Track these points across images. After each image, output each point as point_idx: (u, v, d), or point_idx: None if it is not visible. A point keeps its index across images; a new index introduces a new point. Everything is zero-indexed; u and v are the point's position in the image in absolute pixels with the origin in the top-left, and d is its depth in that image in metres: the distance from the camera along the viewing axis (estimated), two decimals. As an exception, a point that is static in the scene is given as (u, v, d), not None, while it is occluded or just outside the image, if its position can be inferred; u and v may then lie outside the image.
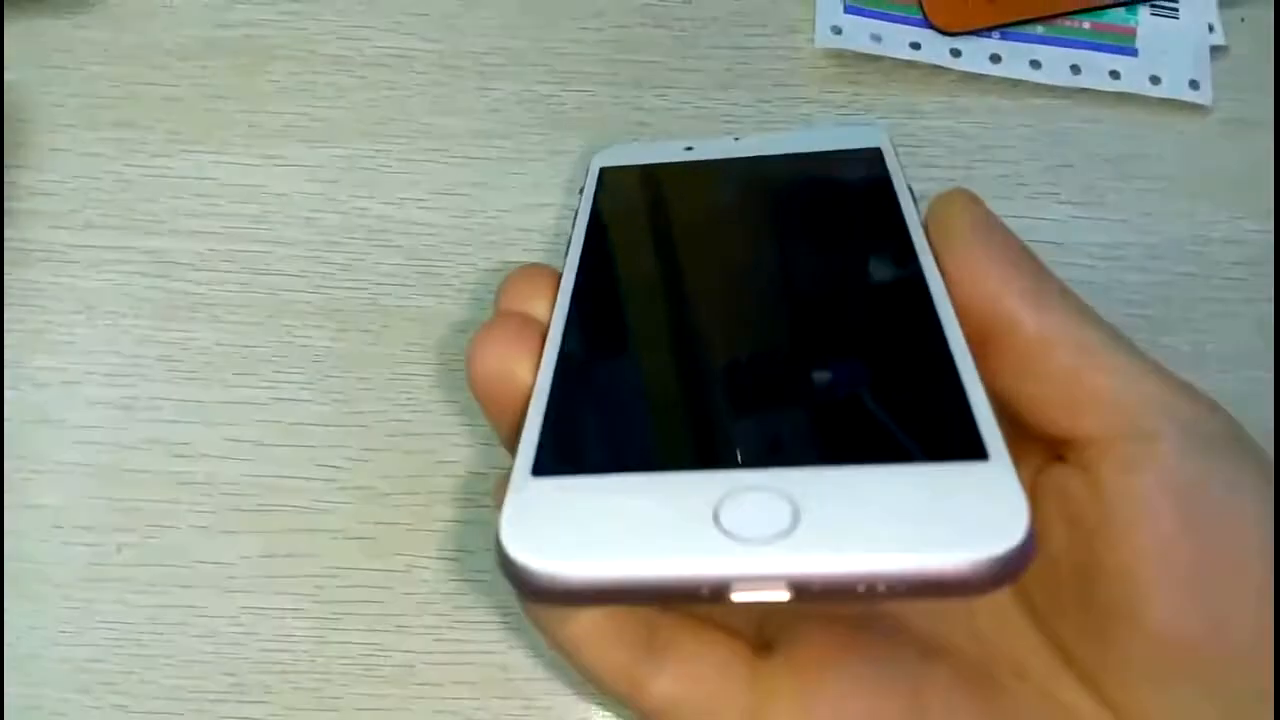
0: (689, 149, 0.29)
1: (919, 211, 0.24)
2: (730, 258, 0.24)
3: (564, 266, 0.24)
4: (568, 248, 0.26)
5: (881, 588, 0.15)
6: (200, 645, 0.31)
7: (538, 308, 0.22)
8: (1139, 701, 0.20)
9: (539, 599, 0.17)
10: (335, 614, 0.31)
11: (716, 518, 0.16)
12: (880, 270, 0.22)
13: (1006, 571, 0.15)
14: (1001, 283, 0.22)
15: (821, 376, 0.19)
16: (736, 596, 0.16)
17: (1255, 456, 0.21)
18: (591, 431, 0.19)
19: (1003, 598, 0.22)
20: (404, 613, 0.31)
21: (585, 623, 0.21)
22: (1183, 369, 0.34)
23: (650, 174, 0.28)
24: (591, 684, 0.23)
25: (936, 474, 0.17)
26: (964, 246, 0.22)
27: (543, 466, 0.18)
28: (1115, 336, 0.22)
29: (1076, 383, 0.21)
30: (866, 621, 0.23)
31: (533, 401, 0.20)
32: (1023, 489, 0.17)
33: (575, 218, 0.27)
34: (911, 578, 0.15)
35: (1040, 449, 0.22)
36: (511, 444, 0.20)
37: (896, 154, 0.27)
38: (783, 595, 0.16)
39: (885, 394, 0.19)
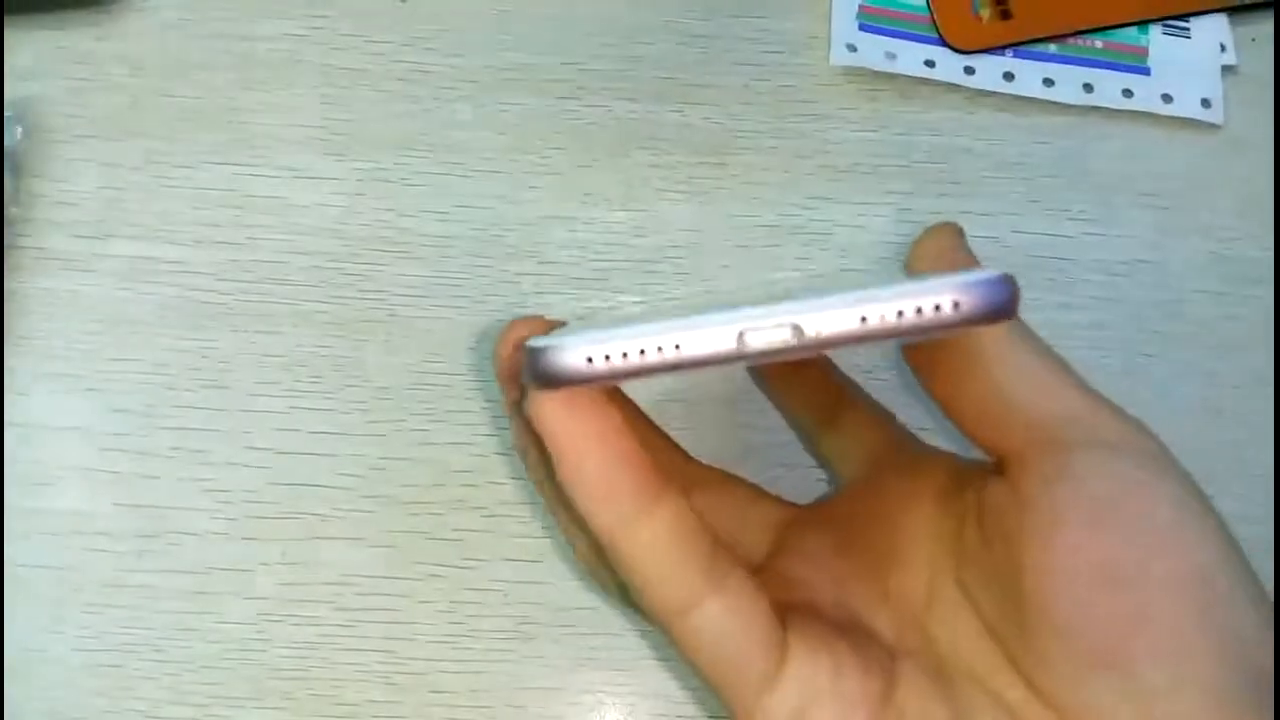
0: None
1: None
2: None
3: None
4: None
5: (881, 332, 0.18)
6: (219, 651, 0.31)
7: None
8: (1063, 696, 0.22)
9: (579, 380, 0.18)
10: (352, 621, 0.31)
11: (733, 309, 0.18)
12: None
13: (982, 308, 0.18)
14: None
15: None
16: (750, 339, 0.18)
17: (1173, 473, 0.23)
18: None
19: (958, 607, 0.24)
20: (419, 620, 0.31)
21: (658, 531, 0.21)
22: (1196, 385, 0.35)
23: None
24: (640, 597, 0.23)
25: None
26: (917, 264, 0.25)
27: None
28: (1048, 358, 0.24)
29: (1004, 400, 0.23)
30: (849, 626, 0.24)
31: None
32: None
33: None
34: (902, 325, 0.18)
35: (981, 472, 0.24)
36: (517, 442, 0.23)
37: None
38: (788, 338, 0.18)
39: None
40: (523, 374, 0.20)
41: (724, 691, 0.22)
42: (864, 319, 0.18)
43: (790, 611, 0.23)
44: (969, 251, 0.26)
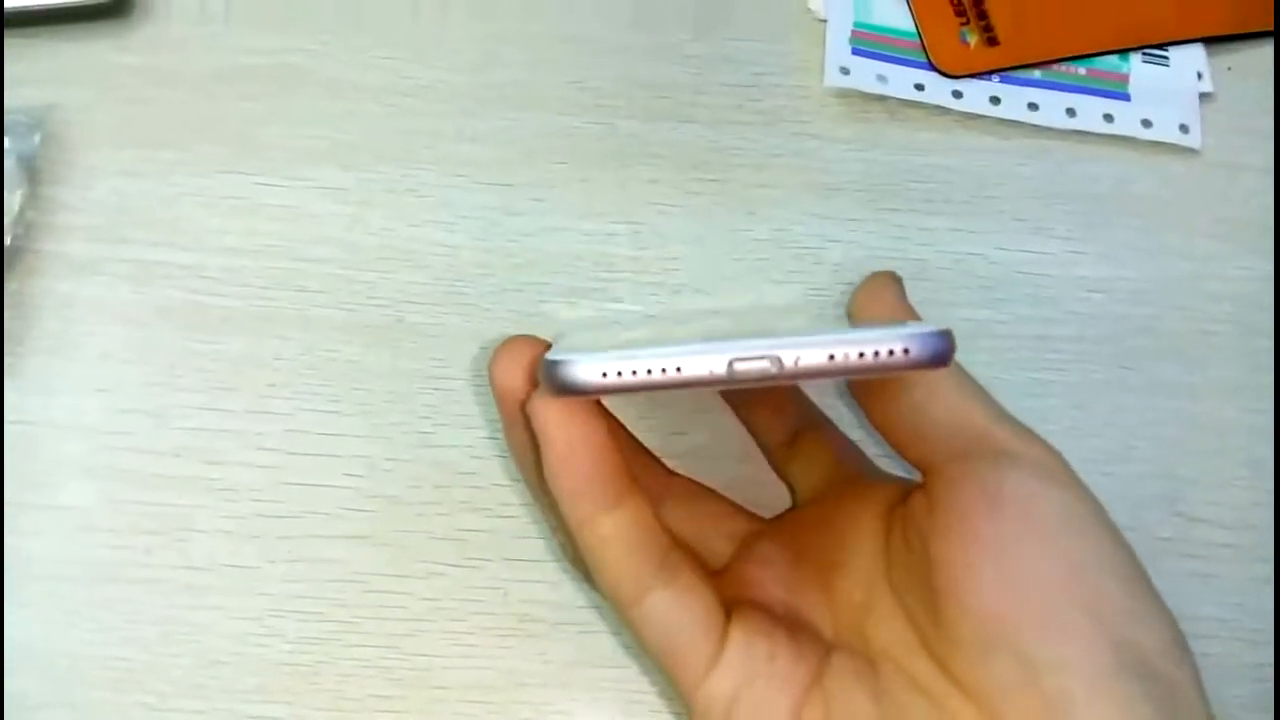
0: None
1: None
2: None
3: None
4: None
5: (845, 369, 0.22)
6: (226, 646, 0.32)
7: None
8: (968, 675, 0.24)
9: (591, 391, 0.22)
10: (357, 618, 0.32)
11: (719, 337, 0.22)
12: None
13: (926, 355, 0.22)
14: None
15: None
16: (739, 367, 0.21)
17: (1064, 481, 0.26)
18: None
19: (890, 606, 0.27)
20: (423, 618, 0.32)
21: (619, 524, 0.25)
22: (1173, 398, 0.36)
23: None
24: (599, 582, 0.26)
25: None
26: (861, 313, 0.29)
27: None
28: (965, 386, 0.27)
29: (926, 421, 0.26)
30: (790, 621, 0.28)
31: None
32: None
33: None
34: (863, 365, 0.22)
35: (900, 489, 0.28)
36: (511, 438, 0.26)
37: None
38: (768, 367, 0.21)
39: None
40: (540, 381, 0.23)
41: (671, 673, 0.26)
42: (831, 356, 0.22)
43: (737, 606, 0.27)
44: (906, 299, 0.29)
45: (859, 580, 0.28)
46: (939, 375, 0.26)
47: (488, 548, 0.33)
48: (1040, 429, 0.35)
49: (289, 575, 0.32)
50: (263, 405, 0.34)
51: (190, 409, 0.34)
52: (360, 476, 0.34)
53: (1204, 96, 0.40)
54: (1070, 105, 0.40)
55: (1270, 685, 0.33)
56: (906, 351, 0.22)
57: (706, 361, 0.22)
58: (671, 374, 0.22)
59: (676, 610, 0.26)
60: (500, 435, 0.34)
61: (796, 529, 0.30)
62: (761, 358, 0.21)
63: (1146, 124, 0.40)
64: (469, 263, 0.36)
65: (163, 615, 0.32)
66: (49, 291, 0.35)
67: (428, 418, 0.34)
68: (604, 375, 0.22)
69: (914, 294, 0.37)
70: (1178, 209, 0.39)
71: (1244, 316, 0.38)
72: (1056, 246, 0.38)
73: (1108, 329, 0.37)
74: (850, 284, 0.37)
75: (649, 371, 0.22)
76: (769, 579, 0.29)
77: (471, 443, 0.34)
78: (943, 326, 0.22)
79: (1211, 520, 0.35)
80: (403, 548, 0.33)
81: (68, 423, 0.34)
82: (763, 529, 0.31)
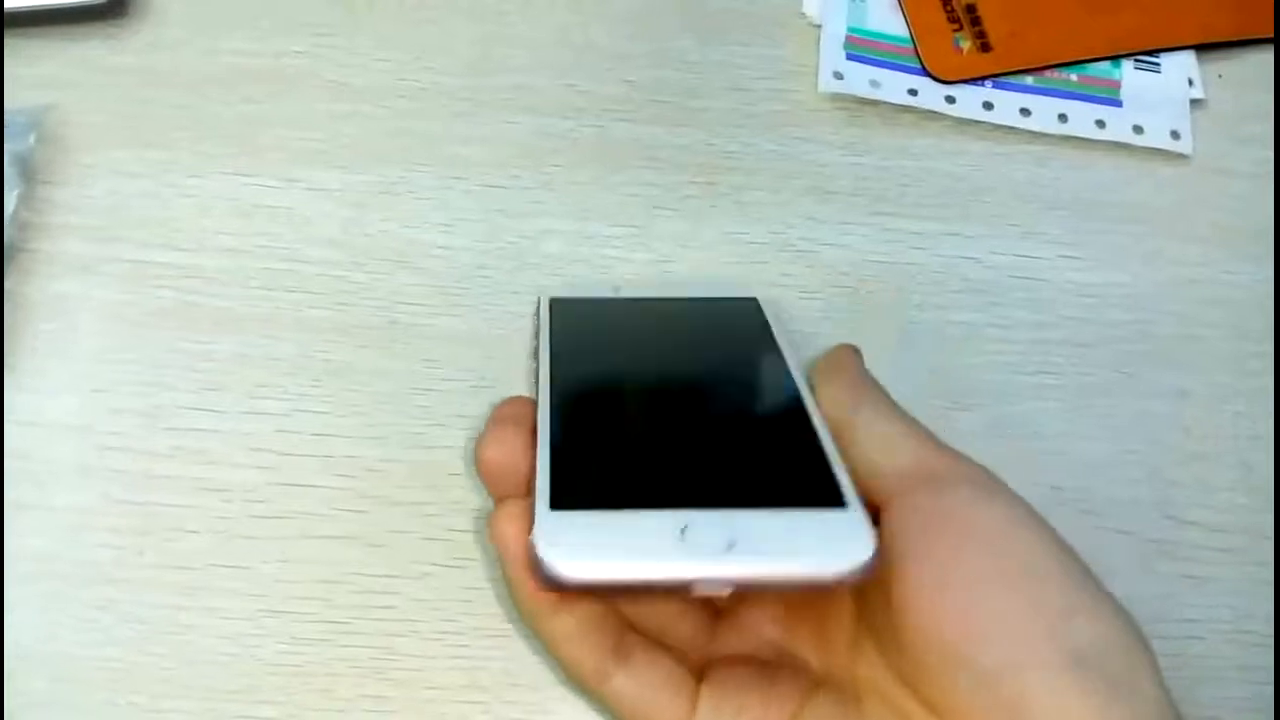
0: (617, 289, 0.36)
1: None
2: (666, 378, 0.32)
3: (537, 380, 0.31)
4: (536, 361, 0.32)
5: (782, 585, 0.25)
6: (217, 646, 0.32)
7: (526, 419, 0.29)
8: (938, 698, 0.25)
9: (562, 590, 0.24)
10: (348, 618, 0.32)
11: (683, 536, 0.24)
12: (773, 396, 0.31)
13: (856, 578, 0.24)
14: (837, 402, 0.30)
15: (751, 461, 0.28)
16: (696, 587, 0.24)
17: (1001, 494, 0.27)
18: (588, 481, 0.27)
19: (869, 643, 0.28)
20: (415, 618, 0.32)
21: (567, 622, 0.27)
22: (1166, 403, 0.36)
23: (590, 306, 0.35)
24: (565, 671, 0.28)
25: (818, 515, 0.26)
26: (825, 381, 0.31)
27: (558, 503, 0.26)
28: (899, 423, 0.29)
29: (870, 466, 0.28)
30: (773, 658, 0.29)
31: (539, 458, 0.27)
32: (870, 527, 0.25)
33: (537, 340, 0.33)
34: (800, 582, 0.25)
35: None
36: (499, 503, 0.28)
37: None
38: (726, 590, 0.24)
39: (786, 470, 0.28)
40: (529, 569, 0.25)
41: None
42: (777, 579, 0.25)
43: (714, 664, 0.29)
44: (864, 373, 0.31)
45: (845, 614, 0.29)
46: (874, 423, 0.29)
47: (479, 548, 0.33)
48: (1033, 432, 0.36)
49: (281, 575, 0.32)
50: (256, 405, 0.34)
51: (184, 409, 0.34)
52: (353, 477, 0.34)
53: (1195, 103, 0.41)
54: (1062, 111, 0.40)
55: (1267, 688, 0.33)
56: (834, 578, 0.24)
57: (671, 583, 0.24)
58: (639, 584, 0.25)
59: (638, 688, 0.27)
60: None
61: None
62: (718, 581, 0.24)
63: (1138, 130, 0.40)
64: (464, 264, 0.36)
65: (155, 615, 0.32)
66: (44, 291, 0.35)
67: (420, 419, 0.34)
68: (579, 577, 0.24)
69: (907, 298, 0.37)
70: (1170, 214, 0.39)
71: (1236, 321, 0.38)
72: (1049, 251, 0.38)
73: (1100, 333, 0.37)
74: (843, 287, 0.37)
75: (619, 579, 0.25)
76: (764, 619, 0.30)
77: (465, 444, 0.34)
78: (872, 553, 0.24)
79: (1203, 523, 0.35)
80: (395, 548, 0.33)
81: (61, 422, 0.34)
82: None
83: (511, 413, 0.29)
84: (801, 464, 0.28)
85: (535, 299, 0.35)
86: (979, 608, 0.25)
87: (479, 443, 0.29)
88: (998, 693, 0.24)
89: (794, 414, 0.29)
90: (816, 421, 0.29)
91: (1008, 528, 0.26)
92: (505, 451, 0.28)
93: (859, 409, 0.29)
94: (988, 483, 0.27)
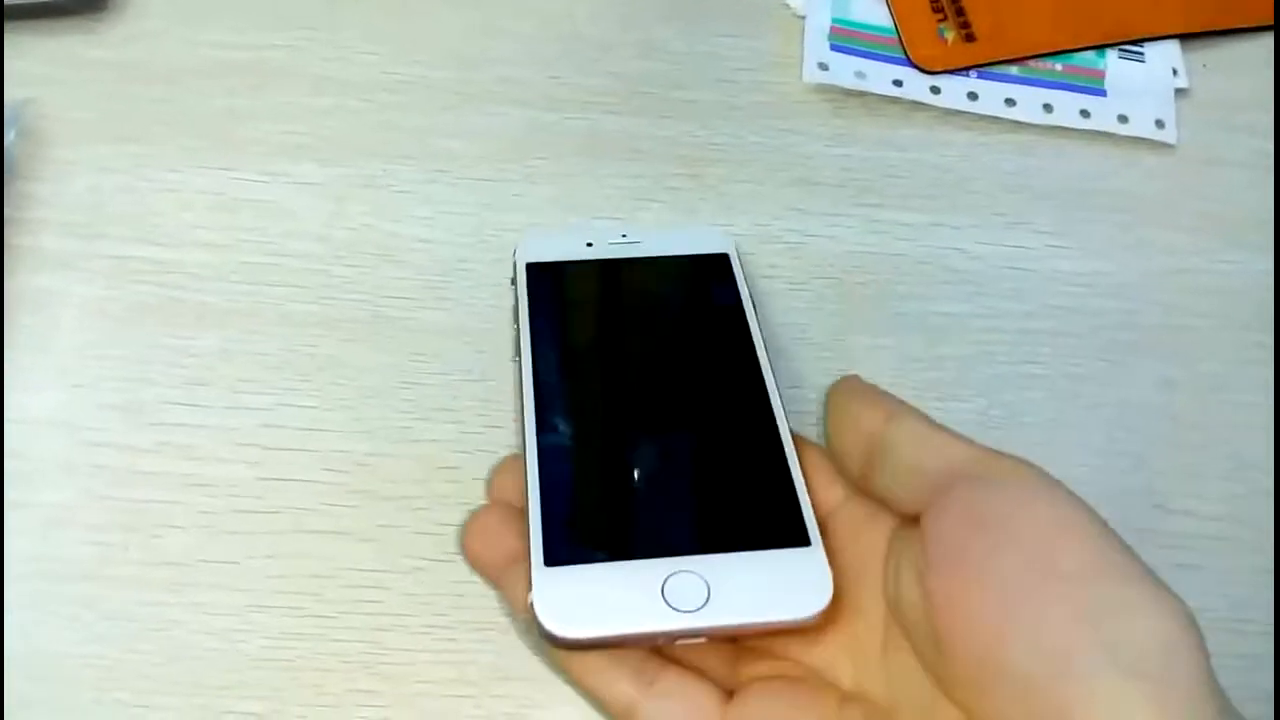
0: (589, 244, 0.35)
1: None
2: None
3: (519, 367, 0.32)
4: (517, 340, 0.32)
5: (750, 632, 0.27)
6: (204, 642, 0.31)
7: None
8: (979, 709, 0.24)
9: (562, 647, 0.27)
10: (337, 613, 0.32)
11: (663, 592, 0.27)
12: (746, 412, 0.31)
13: (819, 622, 0.27)
14: (869, 416, 0.29)
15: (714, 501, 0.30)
16: (679, 642, 0.27)
17: (1049, 492, 0.25)
18: (577, 534, 0.29)
19: (903, 649, 0.27)
20: (404, 613, 0.32)
21: (589, 660, 0.28)
22: (1153, 392, 0.36)
23: (562, 271, 0.34)
24: (593, 704, 0.29)
25: (781, 555, 0.28)
26: (849, 401, 0.30)
27: (551, 559, 0.28)
28: (934, 429, 0.28)
29: (907, 472, 0.27)
30: (803, 675, 0.28)
31: (529, 511, 0.28)
32: (827, 565, 0.27)
33: (515, 311, 0.33)
34: (765, 628, 0.27)
35: (894, 524, 0.29)
36: (498, 582, 0.30)
37: (740, 260, 0.34)
38: (701, 640, 0.27)
39: (757, 507, 0.29)
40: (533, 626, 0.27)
41: None
42: (749, 629, 0.27)
43: (742, 686, 0.28)
44: (879, 392, 0.30)
45: (875, 624, 0.28)
46: (915, 429, 0.28)
47: (468, 542, 0.33)
48: (1021, 422, 0.36)
49: (268, 570, 0.32)
50: (240, 400, 0.34)
51: (168, 404, 0.34)
52: (340, 471, 0.33)
53: (1179, 92, 0.41)
54: (1047, 101, 0.40)
55: (1263, 676, 0.33)
56: (780, 622, 0.27)
57: (655, 637, 0.27)
58: (628, 634, 0.27)
59: (665, 714, 0.27)
60: (482, 429, 0.34)
61: None
62: (694, 638, 0.27)
63: (1123, 119, 0.40)
64: (449, 257, 0.36)
65: (141, 612, 0.31)
66: (24, 287, 0.35)
67: (407, 412, 0.34)
68: (575, 638, 0.27)
69: (894, 289, 0.37)
70: (1155, 203, 0.39)
71: (1223, 310, 0.38)
72: (1036, 240, 0.38)
73: (1087, 322, 0.37)
74: (830, 279, 0.37)
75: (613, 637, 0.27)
76: (791, 636, 0.29)
77: (452, 437, 0.34)
78: (822, 605, 0.27)
79: (1192, 512, 0.35)
80: (383, 542, 0.33)
81: (44, 418, 0.33)
82: None
83: (497, 488, 0.31)
84: (771, 498, 0.29)
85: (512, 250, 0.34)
86: (1018, 611, 0.23)
87: (465, 529, 0.30)
88: (1039, 702, 0.23)
89: (767, 438, 0.30)
90: (786, 443, 0.30)
91: (1059, 530, 0.25)
92: (489, 542, 0.29)
93: (894, 417, 0.28)
94: (1036, 480, 0.26)
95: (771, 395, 0.31)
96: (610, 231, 0.35)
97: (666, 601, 0.27)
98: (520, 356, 0.32)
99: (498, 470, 0.31)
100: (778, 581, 0.27)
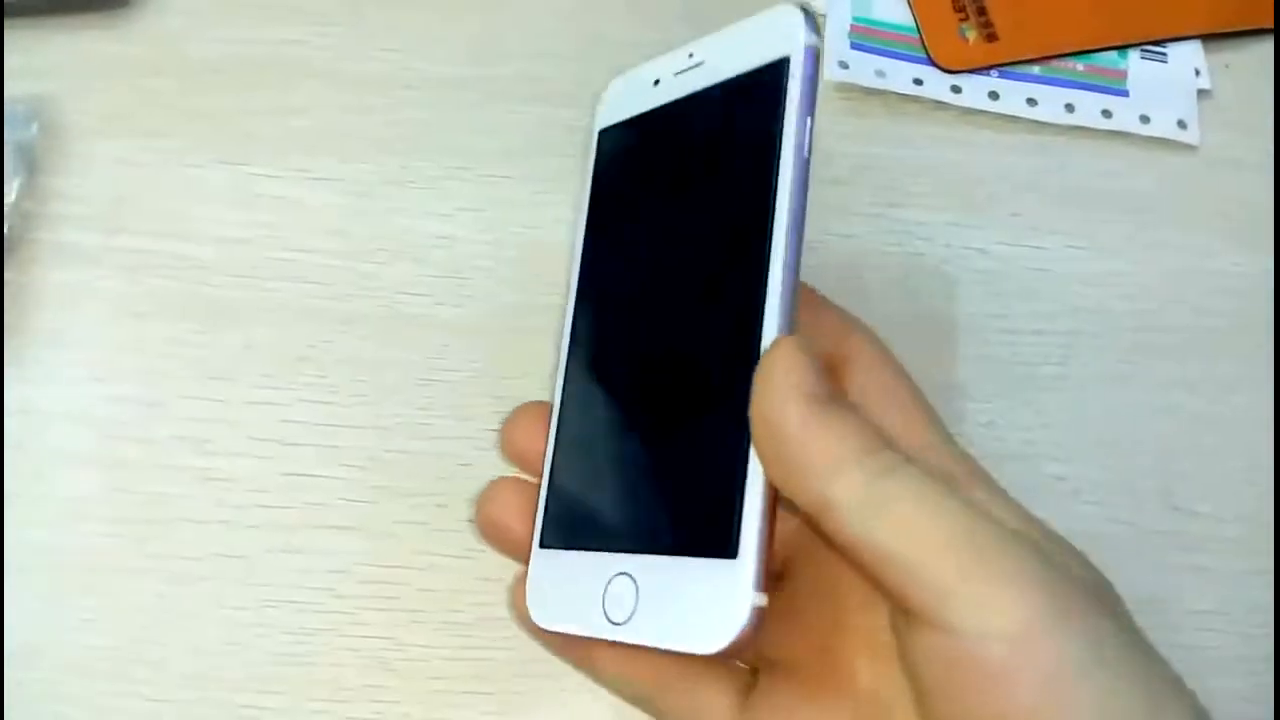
0: (656, 83, 0.30)
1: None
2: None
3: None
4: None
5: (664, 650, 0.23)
6: (220, 635, 0.31)
7: (534, 449, 0.29)
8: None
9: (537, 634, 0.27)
10: (353, 609, 0.32)
11: (604, 596, 0.25)
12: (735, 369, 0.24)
13: (731, 651, 0.22)
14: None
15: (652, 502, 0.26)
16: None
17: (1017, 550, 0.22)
18: (564, 518, 0.28)
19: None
20: (420, 609, 0.32)
21: (600, 658, 0.27)
22: (1172, 393, 0.36)
23: (633, 130, 0.31)
24: (611, 693, 0.28)
25: (705, 565, 0.23)
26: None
27: (545, 541, 0.28)
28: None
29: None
30: (820, 677, 0.26)
31: (537, 511, 0.28)
32: (752, 586, 0.22)
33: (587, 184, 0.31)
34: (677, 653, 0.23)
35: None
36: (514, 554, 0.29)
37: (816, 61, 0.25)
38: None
39: (692, 502, 0.24)
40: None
41: None
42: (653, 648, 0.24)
43: (762, 674, 0.27)
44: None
45: (884, 615, 0.25)
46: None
47: (486, 539, 0.33)
48: (1039, 423, 0.35)
49: (285, 565, 0.32)
50: (259, 395, 0.34)
51: (186, 399, 0.34)
52: (357, 467, 0.33)
53: (1202, 93, 0.40)
54: (1069, 101, 0.40)
55: (1267, 678, 0.33)
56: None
57: (598, 637, 0.25)
58: (580, 635, 0.26)
59: (688, 710, 0.27)
60: (499, 426, 0.34)
61: (831, 565, 0.27)
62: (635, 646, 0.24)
63: (1144, 120, 0.40)
64: (468, 254, 0.36)
65: (158, 605, 0.32)
66: (45, 281, 0.35)
67: (425, 409, 0.34)
68: (553, 630, 0.27)
69: (912, 289, 0.37)
70: (1176, 204, 0.39)
71: (1241, 311, 0.38)
72: (1055, 241, 0.38)
73: (1106, 323, 0.37)
74: (848, 279, 0.37)
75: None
76: (819, 621, 0.27)
77: (470, 434, 0.34)
78: (732, 639, 0.22)
79: (1208, 514, 0.35)
80: (400, 539, 0.33)
81: (63, 412, 0.33)
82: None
83: (521, 437, 0.30)
84: (713, 485, 0.24)
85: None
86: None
87: (478, 502, 0.30)
88: None
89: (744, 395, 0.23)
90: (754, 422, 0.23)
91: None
92: (504, 511, 0.29)
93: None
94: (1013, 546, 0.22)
95: (768, 317, 0.23)
96: (678, 55, 0.30)
97: (604, 608, 0.25)
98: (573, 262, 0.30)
99: (512, 420, 0.30)
100: (698, 598, 0.23)
